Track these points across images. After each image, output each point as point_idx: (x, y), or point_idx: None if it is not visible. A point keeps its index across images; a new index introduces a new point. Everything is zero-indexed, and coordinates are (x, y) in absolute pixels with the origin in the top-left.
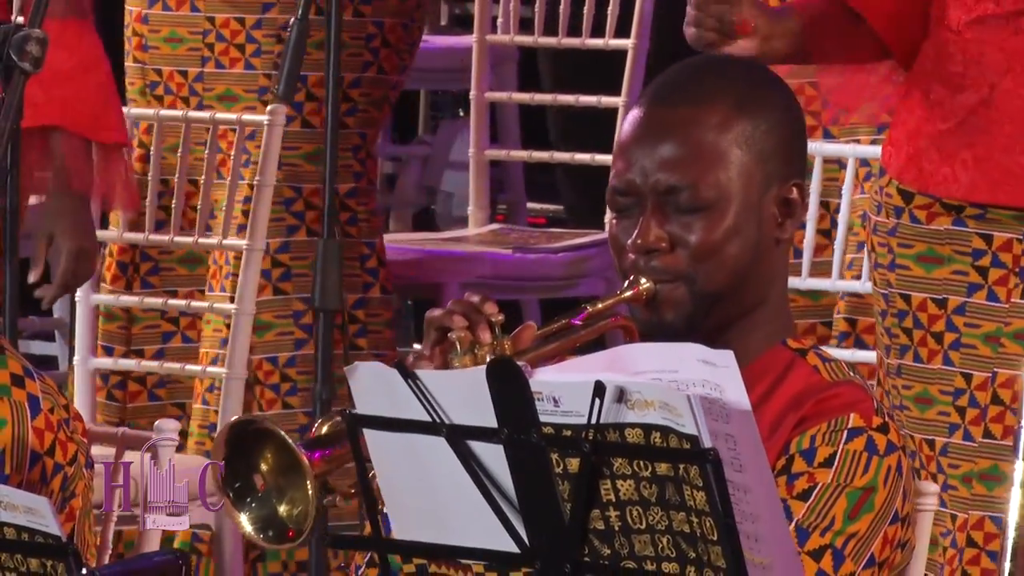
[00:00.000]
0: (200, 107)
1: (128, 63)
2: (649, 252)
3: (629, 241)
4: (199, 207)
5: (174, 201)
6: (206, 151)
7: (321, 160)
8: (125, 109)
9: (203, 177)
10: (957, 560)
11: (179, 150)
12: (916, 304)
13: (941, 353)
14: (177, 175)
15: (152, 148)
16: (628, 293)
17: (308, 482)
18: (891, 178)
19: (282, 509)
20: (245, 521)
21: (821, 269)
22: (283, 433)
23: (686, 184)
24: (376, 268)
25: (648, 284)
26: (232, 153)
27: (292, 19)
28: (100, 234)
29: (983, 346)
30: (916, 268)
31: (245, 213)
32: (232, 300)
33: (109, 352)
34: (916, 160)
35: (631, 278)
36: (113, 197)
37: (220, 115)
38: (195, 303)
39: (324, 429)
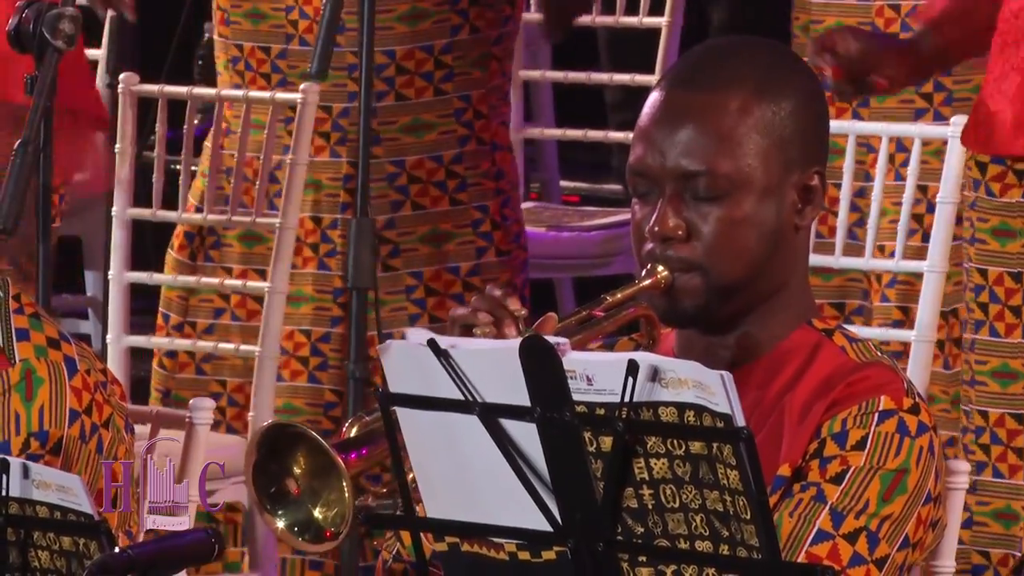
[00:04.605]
0: (283, 84)
1: (215, 36)
2: (666, 240)
3: (647, 228)
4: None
5: (232, 179)
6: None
7: (421, 130)
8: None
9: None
10: None
11: (239, 132)
12: (993, 279)
13: (1020, 327)
14: (210, 152)
15: (226, 127)
16: (647, 282)
17: (344, 483)
18: (968, 152)
19: (318, 512)
20: (281, 525)
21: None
22: (318, 435)
23: (704, 170)
24: (490, 232)
25: (665, 272)
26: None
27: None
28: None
29: None
30: (992, 242)
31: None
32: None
33: (166, 319)
34: (982, 126)
35: (648, 266)
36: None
37: (253, 93)
38: (228, 282)
39: (354, 431)
